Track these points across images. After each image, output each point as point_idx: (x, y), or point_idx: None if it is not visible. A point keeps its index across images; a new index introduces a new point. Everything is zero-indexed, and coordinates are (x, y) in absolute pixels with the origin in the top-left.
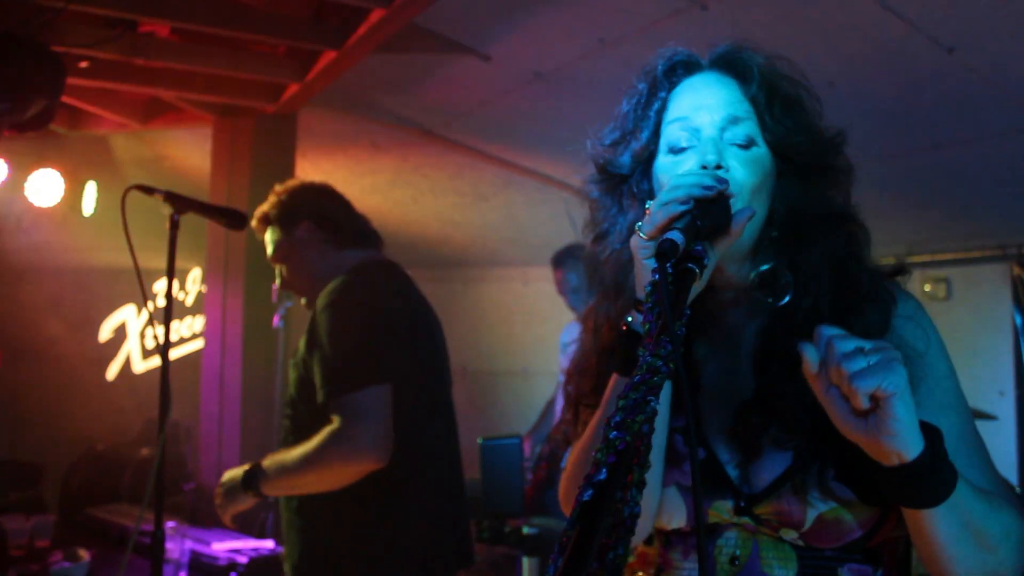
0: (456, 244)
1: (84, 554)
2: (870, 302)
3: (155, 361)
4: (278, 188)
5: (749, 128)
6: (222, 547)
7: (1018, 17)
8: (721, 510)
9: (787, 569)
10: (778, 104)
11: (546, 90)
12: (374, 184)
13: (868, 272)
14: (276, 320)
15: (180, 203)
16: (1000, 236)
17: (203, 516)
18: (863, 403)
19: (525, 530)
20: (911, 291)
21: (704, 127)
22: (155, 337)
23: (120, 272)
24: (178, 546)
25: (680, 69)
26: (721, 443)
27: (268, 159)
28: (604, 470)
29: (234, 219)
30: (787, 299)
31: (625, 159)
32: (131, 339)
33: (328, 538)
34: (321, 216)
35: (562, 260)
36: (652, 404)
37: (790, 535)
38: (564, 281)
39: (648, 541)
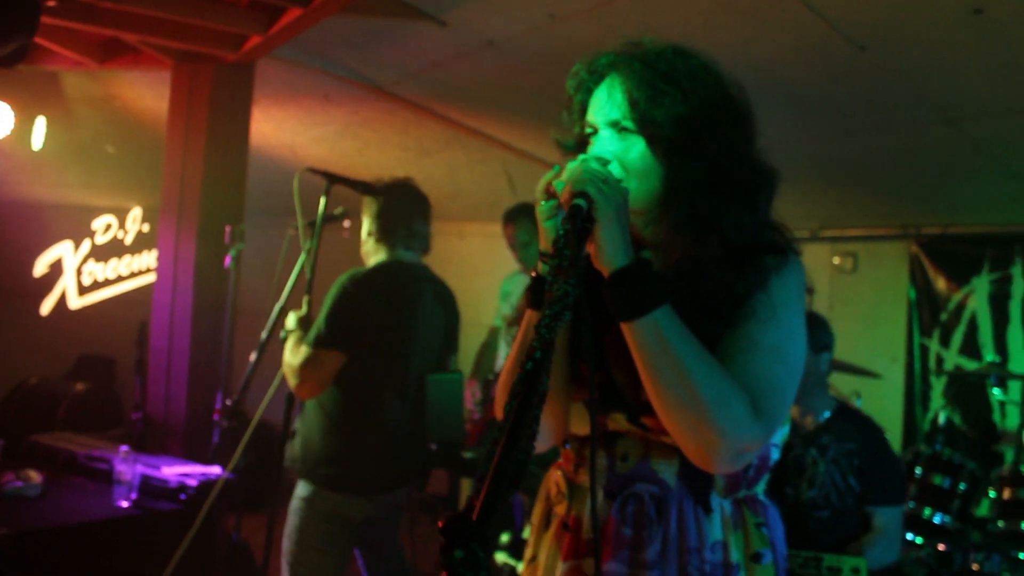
0: None
1: (36, 475)
2: (750, 263)
3: (91, 298)
4: (381, 180)
5: (627, 125)
6: (172, 471)
7: (923, 22)
8: (618, 420)
9: (671, 464)
10: (650, 101)
11: (497, 57)
12: (323, 135)
13: (741, 231)
14: (227, 261)
15: (331, 178)
16: (902, 217)
17: (150, 444)
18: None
19: (466, 455)
20: (823, 262)
21: (597, 128)
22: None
23: (59, 208)
24: (130, 469)
25: (590, 83)
26: (620, 365)
27: (226, 106)
28: (531, 363)
29: (366, 188)
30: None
31: (571, 143)
32: (67, 275)
33: (310, 438)
34: (382, 216)
35: (514, 216)
36: (567, 318)
37: (670, 439)
38: (515, 236)
39: (566, 443)
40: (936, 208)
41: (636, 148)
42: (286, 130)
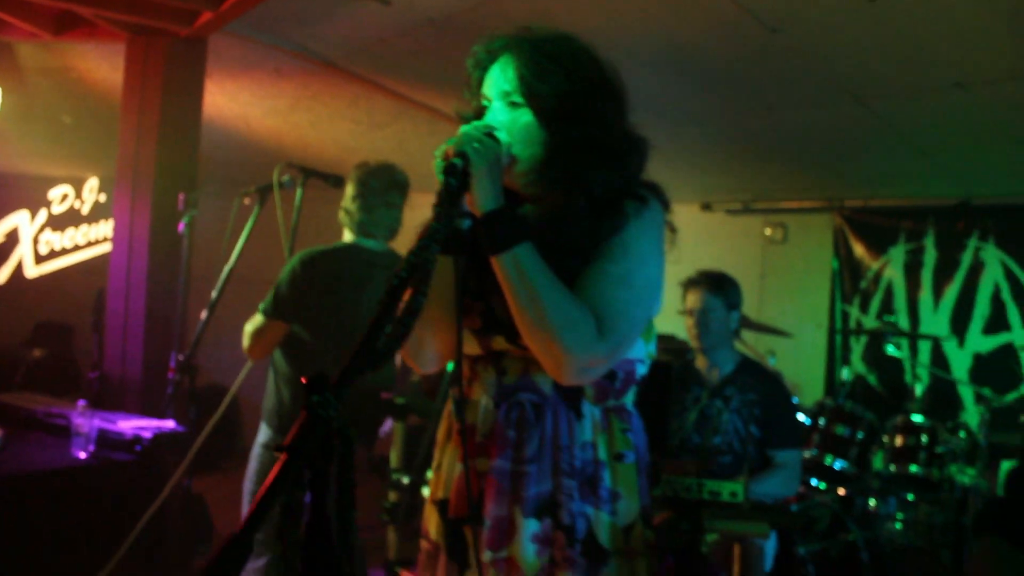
0: (349, 168)
1: None
2: (612, 211)
3: (48, 267)
4: (360, 165)
5: (516, 98)
6: (128, 425)
7: (825, 7)
8: (500, 342)
9: (547, 377)
10: (536, 77)
11: (437, 35)
12: (275, 108)
13: (607, 187)
14: (180, 226)
15: (306, 172)
16: (827, 190)
17: (107, 402)
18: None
19: (397, 400)
20: (755, 233)
21: (491, 100)
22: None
23: (14, 177)
24: (87, 422)
25: (486, 62)
26: (498, 297)
27: (179, 79)
28: (396, 280)
29: (337, 181)
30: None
31: (469, 114)
32: (24, 244)
33: (269, 390)
34: (355, 200)
35: None
36: (434, 249)
37: None
38: None
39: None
40: (857, 182)
41: (523, 118)
42: (239, 103)
